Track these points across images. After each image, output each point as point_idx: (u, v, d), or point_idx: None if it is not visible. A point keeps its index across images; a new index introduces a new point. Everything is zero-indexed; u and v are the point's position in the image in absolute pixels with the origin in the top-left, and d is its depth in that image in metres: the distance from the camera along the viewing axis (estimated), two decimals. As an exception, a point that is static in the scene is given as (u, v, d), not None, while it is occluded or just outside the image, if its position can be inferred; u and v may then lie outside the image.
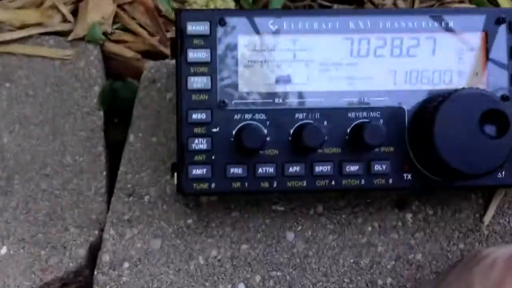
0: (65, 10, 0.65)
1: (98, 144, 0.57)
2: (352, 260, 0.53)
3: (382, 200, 0.54)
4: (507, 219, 0.54)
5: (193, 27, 0.46)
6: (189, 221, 0.52)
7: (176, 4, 0.69)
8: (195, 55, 0.46)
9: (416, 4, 0.72)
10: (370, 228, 0.53)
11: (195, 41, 0.47)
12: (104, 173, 0.56)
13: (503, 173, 0.48)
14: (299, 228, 0.53)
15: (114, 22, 0.67)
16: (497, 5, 0.69)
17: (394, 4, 0.73)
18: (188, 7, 0.65)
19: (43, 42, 0.62)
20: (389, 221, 0.53)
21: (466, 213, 0.54)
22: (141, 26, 0.68)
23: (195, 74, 0.47)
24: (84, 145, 0.57)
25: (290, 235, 0.53)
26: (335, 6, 0.71)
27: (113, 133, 0.61)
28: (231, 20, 0.47)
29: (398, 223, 0.53)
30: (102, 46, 0.65)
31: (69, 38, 0.63)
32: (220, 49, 0.47)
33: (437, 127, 0.44)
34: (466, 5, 0.67)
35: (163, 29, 0.66)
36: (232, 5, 0.66)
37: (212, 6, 0.64)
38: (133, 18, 0.68)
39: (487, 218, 0.54)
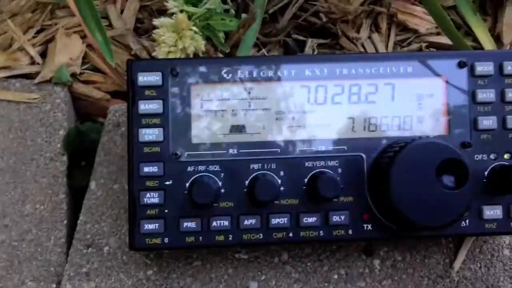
0: (33, 52, 0.65)
1: (59, 191, 0.56)
2: (318, 309, 0.51)
3: (349, 247, 0.53)
4: (478, 265, 0.52)
5: (144, 78, 0.46)
6: (149, 272, 0.51)
7: (147, 42, 0.69)
8: (146, 106, 0.46)
9: (392, 38, 0.72)
10: (336, 276, 0.52)
11: (147, 92, 0.46)
12: (65, 222, 0.55)
13: (467, 221, 0.47)
14: (263, 277, 0.52)
15: (83, 62, 0.67)
16: (478, 42, 0.68)
17: (369, 37, 0.72)
18: (156, 47, 0.65)
19: (9, 86, 0.62)
20: (356, 268, 0.52)
21: (435, 259, 0.52)
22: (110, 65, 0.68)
23: (147, 126, 0.46)
24: (45, 192, 0.56)
25: (254, 285, 0.52)
26: (310, 40, 0.70)
27: (79, 177, 0.60)
28: (184, 70, 0.46)
29: (365, 270, 0.52)
30: (70, 87, 0.65)
31: (36, 81, 0.63)
32: (173, 99, 0.46)
33: (393, 178, 0.43)
34: (431, 51, 0.67)
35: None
36: (202, 43, 0.65)
37: (180, 46, 0.63)
38: (103, 58, 0.68)
39: (457, 264, 0.52)
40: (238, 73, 0.47)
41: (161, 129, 0.46)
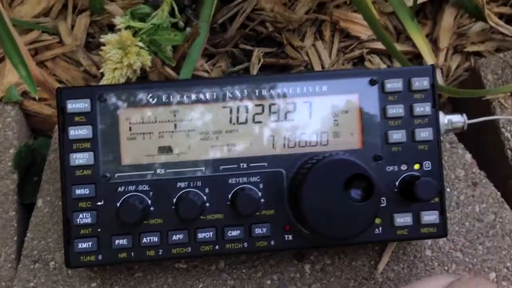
0: (-17, 73, 0.68)
1: (10, 208, 0.59)
2: (252, 313, 0.55)
3: (281, 252, 0.56)
4: (401, 265, 0.56)
5: (73, 105, 0.49)
6: (93, 284, 0.55)
7: (97, 57, 0.72)
8: (76, 132, 0.49)
9: (335, 45, 0.75)
10: (269, 282, 0.55)
11: (76, 119, 0.49)
12: (15, 238, 0.58)
13: (380, 228, 0.50)
14: (200, 285, 0.55)
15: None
16: (414, 45, 0.71)
17: (313, 45, 0.75)
18: (103, 64, 0.67)
19: (-40, 107, 0.64)
20: (288, 273, 0.55)
21: (362, 261, 0.56)
22: (61, 82, 0.70)
23: (77, 150, 0.49)
24: (-5, 210, 0.59)
25: (191, 293, 0.55)
26: (256, 49, 0.73)
27: (30, 193, 0.63)
28: (111, 96, 0.49)
29: (296, 274, 0.55)
30: (22, 104, 0.67)
31: (-14, 101, 0.65)
32: (102, 124, 0.49)
33: (305, 193, 0.46)
34: (344, 70, 0.69)
35: (84, 84, 0.69)
36: (148, 58, 0.68)
37: (125, 62, 0.66)
38: (54, 75, 0.71)
39: (381, 266, 0.56)
40: (163, 97, 0.49)
41: (91, 153, 0.49)
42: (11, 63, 0.46)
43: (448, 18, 0.74)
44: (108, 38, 0.67)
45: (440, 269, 0.55)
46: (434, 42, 0.74)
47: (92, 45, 0.73)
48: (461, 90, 0.62)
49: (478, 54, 0.74)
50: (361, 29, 0.73)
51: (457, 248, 0.56)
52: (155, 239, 0.49)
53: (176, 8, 0.72)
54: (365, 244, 0.55)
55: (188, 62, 0.69)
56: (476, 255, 0.55)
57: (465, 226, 0.56)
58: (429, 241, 0.56)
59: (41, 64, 0.70)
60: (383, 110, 0.50)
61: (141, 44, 0.67)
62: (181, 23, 0.73)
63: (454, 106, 0.71)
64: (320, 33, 0.74)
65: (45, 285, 0.54)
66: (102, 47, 0.67)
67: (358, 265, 0.55)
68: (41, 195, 0.57)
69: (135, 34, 0.68)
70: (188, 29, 0.71)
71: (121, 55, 0.67)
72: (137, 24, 0.70)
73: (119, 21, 0.69)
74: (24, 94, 0.68)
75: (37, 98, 0.49)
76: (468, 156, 0.58)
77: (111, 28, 0.73)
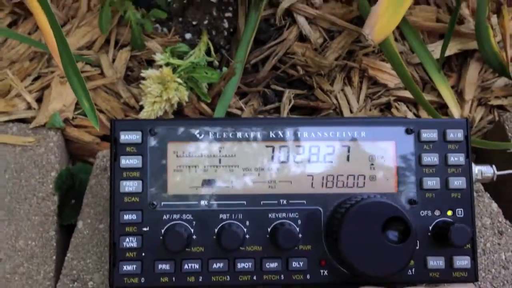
0: (30, 98, 0.71)
1: (50, 228, 0.61)
2: None
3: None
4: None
5: (126, 136, 0.52)
6: (128, 310, 0.56)
7: (136, 90, 0.75)
8: (127, 161, 0.51)
9: (363, 91, 0.78)
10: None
11: (128, 149, 0.52)
12: (54, 257, 0.60)
13: (413, 270, 0.52)
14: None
15: (76, 108, 0.72)
16: (439, 95, 0.74)
17: (342, 90, 0.78)
18: (143, 97, 0.71)
19: (7, 129, 0.67)
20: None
21: (390, 302, 0.57)
22: (101, 111, 0.73)
23: (127, 178, 0.51)
24: (37, 229, 0.61)
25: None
26: (287, 91, 0.76)
27: (68, 214, 0.65)
28: (161, 130, 0.52)
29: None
30: (64, 130, 0.70)
31: (31, 125, 0.68)
32: (151, 155, 0.52)
33: (343, 232, 0.48)
34: (383, 118, 0.73)
35: (123, 115, 0.72)
36: (185, 94, 0.71)
37: (165, 96, 0.69)
38: (95, 104, 0.74)
39: (409, 310, 0.57)
40: (210, 133, 0.52)
41: (140, 182, 0.51)
42: (76, 95, 0.49)
43: (472, 72, 0.77)
44: (149, 73, 0.71)
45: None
46: (459, 94, 0.77)
47: (131, 78, 0.76)
48: (488, 142, 0.65)
49: (501, 107, 0.77)
50: (388, 77, 0.77)
51: (484, 295, 0.57)
52: (196, 266, 0.51)
53: (212, 48, 0.76)
54: (398, 284, 0.56)
55: (223, 99, 0.72)
56: (501, 301, 0.57)
57: (492, 272, 0.58)
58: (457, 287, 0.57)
59: (83, 92, 0.73)
60: (418, 158, 0.53)
61: (179, 80, 0.71)
62: (216, 62, 0.77)
63: (478, 156, 0.74)
64: (349, 79, 0.78)
65: (82, 304, 0.56)
66: (143, 81, 0.71)
67: (387, 306, 0.57)
68: (82, 218, 0.60)
69: (173, 70, 0.71)
70: (225, 69, 0.75)
71: (160, 89, 0.70)
72: (176, 62, 0.73)
73: (159, 58, 0.73)
74: (66, 120, 0.71)
75: (98, 129, 0.51)
76: (495, 205, 0.61)
77: (150, 63, 0.77)
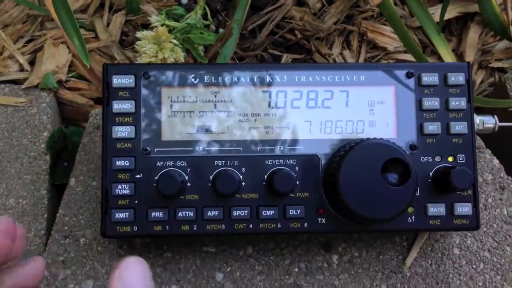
0: (22, 60, 0.70)
1: (41, 187, 0.60)
2: (279, 300, 0.55)
3: (309, 242, 0.56)
4: (429, 262, 0.56)
5: (118, 80, 0.50)
6: (122, 261, 0.55)
7: (131, 53, 0.74)
8: (120, 106, 0.50)
9: (362, 55, 0.76)
10: (296, 269, 0.55)
11: (121, 93, 0.50)
12: (45, 215, 0.58)
13: (413, 217, 0.50)
14: (228, 269, 0.55)
15: (69, 70, 0.71)
16: (437, 53, 0.73)
17: (341, 53, 0.76)
18: (138, 57, 0.69)
19: (-1, 90, 0.66)
20: (315, 262, 0.56)
21: (390, 255, 0.56)
22: (94, 74, 0.72)
23: (120, 123, 0.50)
24: (28, 188, 0.60)
25: (219, 276, 0.55)
26: (285, 55, 0.75)
27: (60, 175, 0.64)
28: (155, 74, 0.51)
29: (324, 264, 0.56)
30: (56, 93, 0.69)
31: (23, 86, 0.67)
32: (144, 100, 0.50)
33: (342, 175, 0.47)
34: (382, 63, 0.71)
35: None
36: (181, 55, 0.70)
37: (160, 56, 0.67)
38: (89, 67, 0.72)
39: (409, 260, 0.56)
40: (205, 78, 0.51)
41: (133, 127, 0.50)
42: (65, 32, 0.48)
43: (473, 35, 0.76)
44: (144, 33, 0.69)
45: (468, 267, 0.55)
46: (459, 57, 0.75)
47: (125, 43, 0.75)
48: (490, 99, 0.64)
49: (502, 70, 0.76)
50: (388, 41, 0.75)
51: (485, 248, 0.56)
52: (191, 214, 0.49)
53: (208, 12, 0.74)
54: (397, 233, 0.55)
55: (220, 61, 0.71)
56: (504, 255, 0.56)
57: (493, 227, 0.57)
58: (457, 240, 0.56)
59: (75, 56, 0.72)
60: (419, 102, 0.51)
61: (175, 41, 0.69)
62: (213, 27, 0.75)
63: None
64: (347, 42, 0.76)
65: (74, 259, 0.55)
66: (138, 42, 0.69)
67: (386, 258, 0.56)
68: (74, 175, 0.58)
69: (169, 33, 0.70)
70: (221, 30, 0.73)
71: (156, 49, 0.69)
72: (172, 23, 0.72)
73: (155, 19, 0.71)
74: (59, 83, 0.70)
75: (88, 66, 0.50)
76: (496, 161, 0.59)
77: (145, 27, 0.75)
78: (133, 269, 0.37)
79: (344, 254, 0.56)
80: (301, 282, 0.55)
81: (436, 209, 0.50)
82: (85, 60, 0.47)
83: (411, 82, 0.51)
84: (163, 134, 0.50)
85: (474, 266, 0.55)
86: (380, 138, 0.48)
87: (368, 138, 0.48)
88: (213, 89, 0.50)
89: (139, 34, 0.69)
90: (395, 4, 0.77)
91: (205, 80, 0.51)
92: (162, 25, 0.71)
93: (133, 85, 0.50)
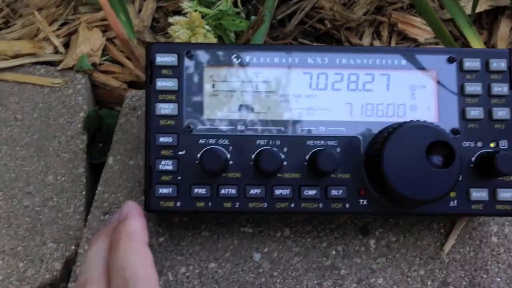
0: (57, 42, 0.70)
1: (79, 165, 0.60)
2: (315, 281, 0.55)
3: (347, 226, 0.56)
4: (468, 249, 0.56)
5: (161, 59, 0.51)
6: (161, 239, 0.55)
7: (163, 39, 0.74)
8: (163, 83, 0.50)
9: (393, 45, 0.76)
10: (334, 252, 0.56)
11: (164, 71, 0.50)
12: (84, 192, 0.59)
13: (455, 201, 0.51)
14: (266, 249, 0.55)
15: (103, 54, 0.72)
16: (468, 46, 0.73)
17: (371, 44, 0.76)
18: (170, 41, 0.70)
19: (35, 71, 0.67)
20: (352, 246, 0.56)
21: (427, 241, 0.56)
22: (128, 58, 0.72)
23: (163, 101, 0.50)
24: (66, 166, 0.60)
25: (257, 256, 0.55)
26: (314, 45, 0.75)
27: (96, 156, 0.64)
28: (198, 53, 0.51)
29: (361, 248, 0.56)
30: (90, 76, 0.69)
31: (59, 67, 0.68)
32: (187, 79, 0.51)
33: (386, 156, 0.47)
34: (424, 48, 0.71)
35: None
36: (214, 41, 0.70)
37: (193, 41, 0.68)
38: (121, 51, 0.73)
39: (448, 247, 0.56)
40: (247, 58, 0.51)
41: (176, 104, 0.50)
42: (112, 8, 0.48)
43: (504, 28, 0.76)
44: (177, 18, 0.70)
45: (507, 255, 0.55)
46: (490, 49, 0.75)
47: (157, 29, 0.75)
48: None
49: (533, 64, 0.75)
50: (418, 32, 0.75)
51: (523, 238, 0.56)
52: (233, 191, 0.49)
53: (239, 0, 0.75)
54: (438, 217, 0.55)
55: (250, 48, 0.71)
56: (543, 245, 0.56)
57: (530, 217, 0.57)
58: (495, 228, 0.56)
59: (109, 40, 0.72)
60: (461, 88, 0.52)
61: (207, 27, 0.69)
62: (243, 15, 0.75)
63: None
64: (377, 33, 0.76)
65: (113, 236, 0.55)
66: (171, 27, 0.70)
67: (423, 244, 0.56)
68: (112, 154, 0.59)
69: (201, 18, 0.70)
70: (253, 17, 0.74)
71: (189, 34, 0.69)
72: (204, 10, 0.72)
73: (186, 5, 0.72)
74: (93, 66, 0.70)
75: (135, 41, 0.50)
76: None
77: (176, 14, 0.75)
78: (138, 220, 0.44)
79: (382, 238, 0.56)
80: (338, 264, 0.55)
81: (478, 194, 0.50)
82: (131, 35, 0.48)
83: (453, 67, 0.52)
84: (205, 112, 0.50)
85: (512, 254, 0.55)
86: (424, 121, 0.48)
87: (412, 120, 0.48)
88: (255, 69, 0.51)
89: (172, 19, 0.70)
90: (426, -4, 0.77)
91: (247, 60, 0.51)
92: (195, 11, 0.71)
93: (175, 63, 0.50)
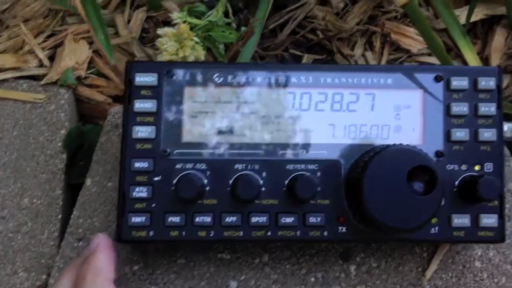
0: (42, 55, 0.69)
1: (56, 187, 0.59)
2: (293, 310, 0.53)
3: (327, 252, 0.55)
4: (450, 274, 0.54)
5: (141, 78, 0.49)
6: (135, 267, 0.54)
7: (151, 50, 0.73)
8: (141, 105, 0.49)
9: (385, 56, 0.75)
10: (313, 279, 0.54)
11: (143, 92, 0.49)
12: (59, 216, 0.58)
13: (437, 228, 0.49)
14: (243, 277, 0.54)
15: (89, 67, 0.70)
16: (461, 56, 0.71)
17: (363, 55, 0.75)
18: (158, 55, 0.68)
19: (17, 86, 0.65)
20: (332, 272, 0.54)
21: (409, 266, 0.54)
22: (116, 70, 0.71)
23: (141, 123, 0.49)
24: (43, 188, 0.59)
25: (233, 284, 0.54)
26: (306, 55, 0.73)
27: (75, 176, 0.63)
28: (179, 73, 0.49)
29: (341, 274, 0.54)
30: (75, 90, 0.68)
31: (42, 82, 0.66)
32: (167, 100, 0.49)
33: (366, 182, 0.45)
34: (410, 65, 0.69)
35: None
36: (202, 53, 0.68)
37: (181, 54, 0.66)
38: (108, 63, 0.71)
39: (429, 272, 0.54)
40: (228, 78, 0.49)
41: (153, 127, 0.49)
42: (92, 26, 0.47)
43: (499, 38, 0.74)
44: (165, 30, 0.68)
45: (490, 281, 0.54)
46: (484, 61, 0.73)
47: (146, 40, 0.74)
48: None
49: (528, 76, 0.73)
50: (412, 42, 0.74)
51: (508, 261, 0.54)
52: (208, 219, 0.48)
53: (230, 10, 0.73)
54: (419, 243, 0.53)
55: (241, 60, 0.70)
56: (527, 269, 0.54)
57: (517, 239, 0.55)
58: (479, 252, 0.54)
59: (95, 53, 0.71)
60: (447, 108, 0.50)
61: (196, 39, 0.68)
62: (234, 25, 0.74)
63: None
64: (370, 43, 0.75)
65: (88, 263, 0.53)
66: (159, 39, 0.68)
67: (405, 270, 0.54)
68: (90, 175, 0.57)
69: (190, 30, 0.68)
70: (243, 28, 0.72)
71: (176, 47, 0.67)
72: (194, 20, 0.71)
73: (176, 16, 0.70)
74: (78, 79, 0.69)
75: (112, 62, 0.49)
76: (521, 170, 0.57)
77: (166, 24, 0.74)
78: (106, 254, 0.43)
79: (362, 264, 0.54)
80: (318, 291, 0.53)
81: (460, 220, 0.48)
82: (109, 55, 0.46)
83: (439, 86, 0.50)
84: (184, 135, 0.49)
85: (495, 280, 0.54)
86: (406, 144, 0.46)
87: (393, 144, 0.46)
88: (236, 89, 0.49)
89: (160, 31, 0.68)
90: (420, 5, 0.75)
91: (229, 80, 0.49)
92: (184, 22, 0.70)
93: (155, 83, 0.49)
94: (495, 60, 0.73)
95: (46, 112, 0.63)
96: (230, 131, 0.49)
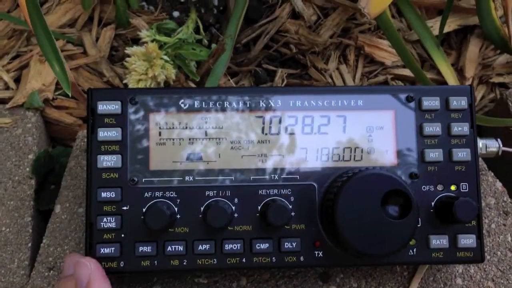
0: (7, 77, 0.67)
1: (26, 214, 0.57)
2: (272, 335, 0.52)
3: (306, 273, 0.54)
4: (431, 292, 0.54)
5: (104, 107, 0.48)
6: (110, 295, 0.52)
7: (121, 69, 0.71)
8: (105, 134, 0.47)
9: (359, 69, 0.74)
10: (292, 301, 0.53)
11: (106, 120, 0.48)
12: (29, 244, 0.56)
13: (415, 250, 0.48)
14: (220, 301, 0.53)
15: (57, 88, 0.68)
16: (436, 68, 0.71)
17: (337, 68, 0.74)
18: (127, 75, 0.67)
19: (-18, 111, 0.63)
20: (311, 294, 0.53)
21: (390, 286, 0.54)
22: (84, 92, 0.69)
23: (106, 152, 0.47)
24: (11, 215, 0.57)
25: (211, 309, 0.52)
26: (280, 70, 0.72)
27: (45, 202, 0.61)
28: (142, 99, 0.48)
29: (320, 296, 0.53)
30: (43, 112, 0.66)
31: (8, 105, 0.64)
32: (131, 127, 0.48)
33: (339, 207, 0.44)
34: (381, 86, 0.69)
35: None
36: (173, 72, 0.67)
37: (151, 74, 0.65)
38: (78, 85, 0.70)
39: (410, 291, 0.53)
40: (195, 103, 0.48)
41: (119, 156, 0.47)
42: (46, 58, 0.45)
43: (473, 48, 0.74)
44: (133, 50, 0.67)
45: (471, 298, 0.53)
46: (459, 71, 0.73)
47: (115, 58, 0.72)
48: (493, 118, 0.61)
49: (503, 85, 0.73)
50: (385, 55, 0.73)
51: (489, 278, 0.54)
52: (180, 248, 0.47)
53: (201, 26, 0.72)
54: (397, 265, 0.53)
55: (212, 77, 0.69)
56: (508, 285, 0.54)
57: (497, 255, 0.54)
58: (460, 269, 0.54)
59: (64, 73, 0.69)
60: (420, 128, 0.49)
61: (166, 57, 0.67)
62: (205, 41, 0.73)
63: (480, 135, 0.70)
64: (344, 57, 0.74)
65: (59, 293, 0.52)
66: (127, 59, 0.67)
67: (385, 289, 0.53)
68: (60, 201, 0.56)
69: (160, 48, 0.67)
70: (214, 45, 0.71)
71: (146, 66, 0.66)
72: (163, 38, 0.70)
73: (145, 34, 0.69)
74: (46, 101, 0.67)
75: (70, 95, 0.47)
76: (499, 184, 0.57)
77: (135, 42, 0.73)
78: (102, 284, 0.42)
79: (342, 285, 0.53)
80: (296, 314, 0.52)
81: (438, 241, 0.48)
82: (67, 88, 0.45)
83: (411, 106, 0.49)
84: (151, 163, 0.47)
85: (477, 297, 0.53)
86: (380, 168, 0.45)
87: (366, 168, 0.45)
88: (204, 114, 0.48)
89: (128, 51, 0.67)
90: (393, 16, 0.75)
91: (195, 105, 0.48)
92: (153, 40, 0.69)
93: (119, 111, 0.47)
94: (470, 70, 0.73)
95: (12, 137, 0.61)
96: (199, 158, 0.48)
